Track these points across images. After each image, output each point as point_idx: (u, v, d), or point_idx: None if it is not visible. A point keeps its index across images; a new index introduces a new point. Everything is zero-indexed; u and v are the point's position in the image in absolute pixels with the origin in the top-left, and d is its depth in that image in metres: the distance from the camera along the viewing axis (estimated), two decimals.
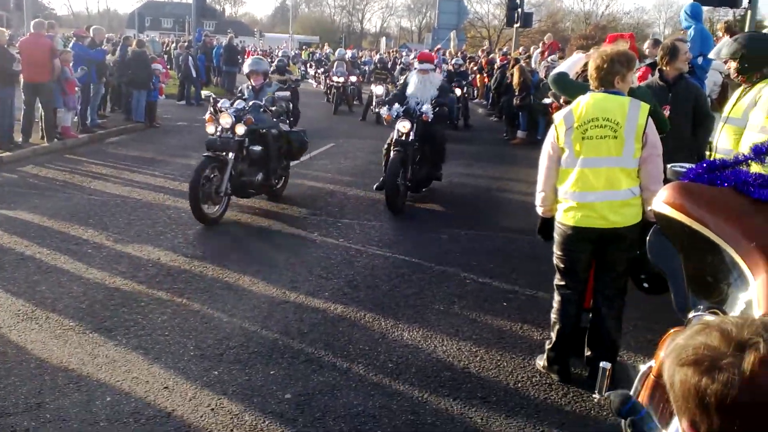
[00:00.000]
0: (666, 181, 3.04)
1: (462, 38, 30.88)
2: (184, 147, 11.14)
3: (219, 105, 7.05)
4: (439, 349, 4.20)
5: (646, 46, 8.38)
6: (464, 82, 15.70)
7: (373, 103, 15.41)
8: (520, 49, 21.04)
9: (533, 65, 15.75)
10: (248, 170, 7.11)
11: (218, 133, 6.82)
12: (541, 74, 13.75)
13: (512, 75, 13.75)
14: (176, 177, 8.77)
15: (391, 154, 7.57)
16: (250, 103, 7.17)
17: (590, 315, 3.90)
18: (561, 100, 10.78)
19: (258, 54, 37.98)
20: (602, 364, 2.19)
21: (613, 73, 3.63)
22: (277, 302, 4.85)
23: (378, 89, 15.53)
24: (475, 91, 21.05)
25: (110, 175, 8.75)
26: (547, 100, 12.98)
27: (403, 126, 7.46)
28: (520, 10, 20.77)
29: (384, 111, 7.75)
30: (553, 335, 3.85)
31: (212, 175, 6.64)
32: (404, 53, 31.26)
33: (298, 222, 7.01)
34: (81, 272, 5.18)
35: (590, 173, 3.56)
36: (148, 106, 13.19)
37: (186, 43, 20.58)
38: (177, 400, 3.47)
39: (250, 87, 7.74)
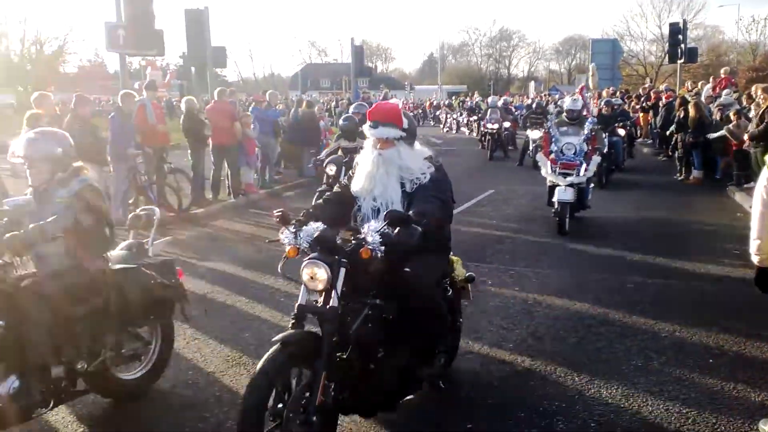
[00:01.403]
0: None
1: (618, 77, 29.81)
2: None
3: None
4: (644, 409, 3.92)
5: None
6: (628, 122, 15.04)
7: (530, 148, 15.38)
8: (687, 84, 19.92)
9: (703, 100, 14.81)
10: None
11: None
12: (714, 111, 12.89)
13: (682, 112, 13.01)
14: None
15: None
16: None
17: None
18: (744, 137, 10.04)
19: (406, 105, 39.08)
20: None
21: None
22: (462, 352, 4.81)
23: (534, 134, 15.24)
24: (639, 131, 20.13)
25: None
26: (712, 135, 12.15)
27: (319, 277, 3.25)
28: (683, 45, 19.78)
29: (286, 239, 3.47)
30: None
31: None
32: (557, 96, 30.69)
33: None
34: (278, 320, 5.50)
35: None
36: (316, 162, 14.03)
37: (346, 101, 21.76)
38: None
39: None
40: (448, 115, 31.44)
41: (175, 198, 9.99)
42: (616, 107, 15.26)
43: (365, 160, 3.73)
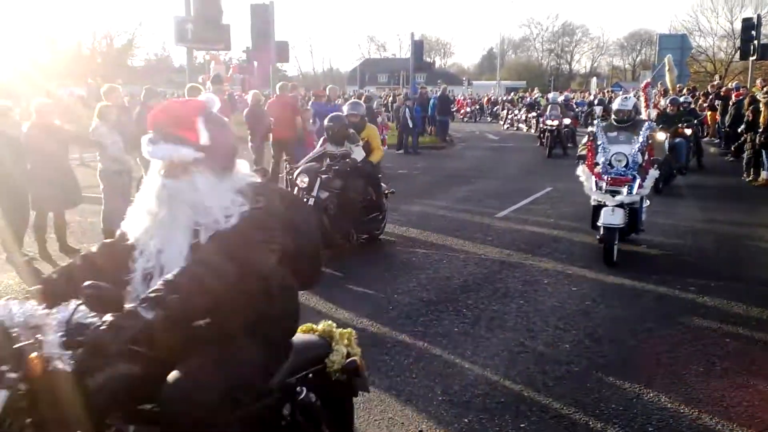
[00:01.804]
0: None
1: (686, 74, 28.85)
2: (407, 194, 11.66)
3: None
4: (705, 416, 3.81)
5: None
6: (695, 121, 14.43)
7: None
8: (758, 81, 19.10)
9: None
10: None
11: None
12: None
13: (754, 111, 12.48)
14: (403, 223, 9.18)
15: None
16: None
17: None
18: None
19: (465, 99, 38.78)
20: None
21: None
22: (517, 351, 4.79)
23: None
24: (706, 130, 19.43)
25: None
26: None
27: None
28: (756, 42, 18.99)
29: None
30: None
31: None
32: (620, 92, 29.89)
33: (524, 268, 6.92)
34: (332, 312, 5.58)
35: None
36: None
37: (403, 96, 21.78)
38: None
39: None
40: (509, 112, 31.06)
41: None
42: (684, 105, 14.38)
43: (147, 193, 2.39)
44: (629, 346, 4.87)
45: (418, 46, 22.86)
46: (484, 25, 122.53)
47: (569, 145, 18.27)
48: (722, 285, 6.22)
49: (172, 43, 33.00)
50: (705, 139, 19.15)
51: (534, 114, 24.82)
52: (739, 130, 13.82)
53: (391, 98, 28.25)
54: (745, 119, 12.95)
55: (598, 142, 7.25)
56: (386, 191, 8.25)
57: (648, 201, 7.84)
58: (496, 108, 36.88)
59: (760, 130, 12.09)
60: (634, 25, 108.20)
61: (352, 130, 7.72)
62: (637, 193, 7.01)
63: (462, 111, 37.87)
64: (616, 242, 6.94)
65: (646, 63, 55.55)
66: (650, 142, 7.33)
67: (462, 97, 41.03)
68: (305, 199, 6.87)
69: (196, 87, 10.01)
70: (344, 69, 76.93)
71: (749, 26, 19.50)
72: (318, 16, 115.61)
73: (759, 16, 20.40)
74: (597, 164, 7.17)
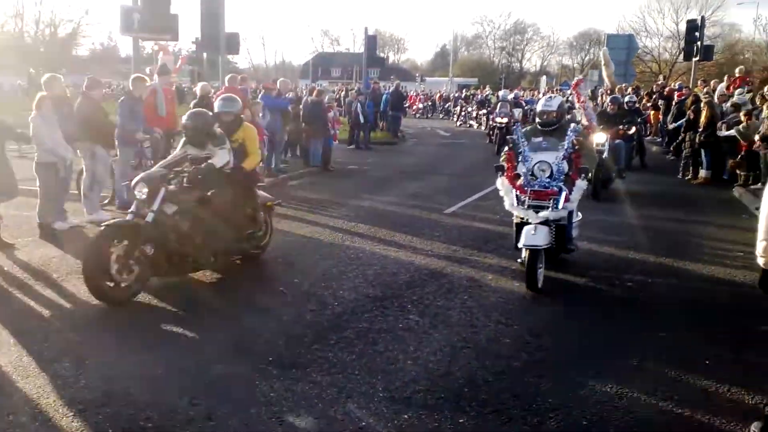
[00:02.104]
0: None
1: (632, 73, 29.59)
2: (357, 189, 11.66)
3: None
4: (636, 408, 3.92)
5: None
6: (639, 119, 14.64)
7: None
8: (699, 82, 19.76)
9: (716, 100, 14.70)
10: None
11: None
12: (730, 108, 12.78)
13: (695, 111, 12.92)
14: (352, 218, 9.16)
15: None
16: None
17: None
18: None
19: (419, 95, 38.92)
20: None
21: None
22: (459, 347, 4.84)
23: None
24: (649, 128, 20.02)
25: (294, 216, 9.35)
26: (724, 132, 12.01)
27: None
28: (699, 43, 19.60)
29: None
30: None
31: None
32: (568, 91, 30.46)
33: (471, 263, 7.00)
34: (277, 309, 5.53)
35: None
36: (324, 152, 14.03)
37: (356, 91, 21.71)
38: None
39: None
40: (462, 108, 31.31)
41: None
42: (629, 105, 13.97)
43: None
44: (568, 341, 4.97)
45: (372, 41, 22.82)
46: (438, 22, 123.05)
47: None
48: (659, 281, 6.43)
49: (118, 33, 31.99)
50: (648, 137, 19.72)
51: (484, 111, 25.09)
52: (671, 126, 14.22)
53: (342, 93, 28.15)
54: (686, 119, 13.38)
55: (519, 150, 6.28)
56: (271, 203, 7.34)
57: (580, 214, 6.95)
58: (448, 105, 37.15)
59: (700, 129, 12.53)
60: (583, 24, 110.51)
61: (218, 130, 6.44)
62: (563, 208, 6.08)
63: (414, 107, 38.04)
64: (541, 265, 6.03)
65: (595, 62, 56.70)
66: (577, 148, 6.27)
67: (414, 93, 41.21)
68: (144, 215, 5.70)
69: (140, 77, 9.74)
70: (297, 62, 76.30)
71: (693, 28, 20.05)
72: (271, 7, 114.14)
73: (703, 18, 21.04)
74: (518, 176, 6.26)
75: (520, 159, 6.27)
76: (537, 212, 6.09)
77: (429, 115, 37.85)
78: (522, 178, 6.21)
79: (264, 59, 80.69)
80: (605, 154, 10.78)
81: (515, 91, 26.51)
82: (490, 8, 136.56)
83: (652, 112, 19.81)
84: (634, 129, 12.77)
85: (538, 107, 6.84)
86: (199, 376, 4.28)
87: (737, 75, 16.70)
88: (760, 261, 3.56)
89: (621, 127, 12.06)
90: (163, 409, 3.82)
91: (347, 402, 3.96)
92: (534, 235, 5.91)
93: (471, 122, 28.63)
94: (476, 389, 4.16)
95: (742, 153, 11.57)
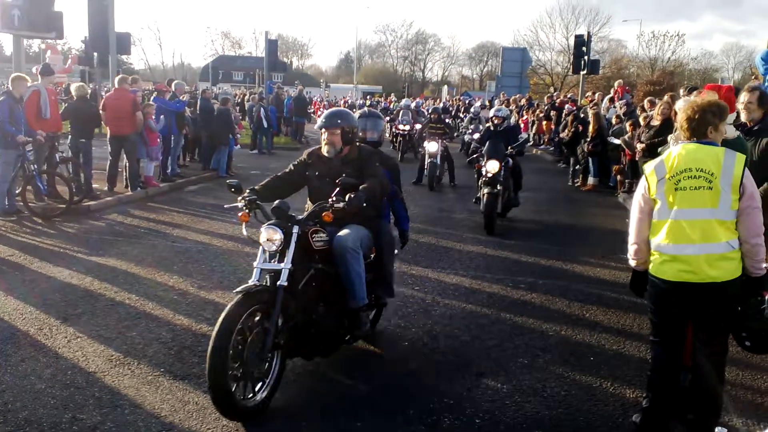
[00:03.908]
0: None
1: (526, 85, 30.93)
2: None
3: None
4: (527, 406, 4.06)
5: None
6: (448, 128, 14.21)
7: (426, 162, 12.98)
8: (588, 94, 20.90)
9: (601, 111, 15.61)
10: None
11: None
12: (613, 120, 13.59)
13: (582, 121, 13.67)
14: (253, 224, 8.96)
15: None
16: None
17: (689, 374, 3.71)
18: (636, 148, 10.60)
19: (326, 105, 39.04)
20: (718, 429, 2.06)
21: (705, 124, 3.54)
22: (360, 352, 4.84)
23: (431, 146, 12.93)
24: (541, 138, 21.00)
25: (191, 223, 9.05)
26: (614, 140, 12.80)
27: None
28: (586, 57, 20.72)
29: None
30: (651, 394, 3.68)
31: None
32: (468, 101, 31.41)
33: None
34: (169, 318, 5.32)
35: (686, 225, 3.43)
36: (226, 156, 13.72)
37: (258, 95, 21.37)
38: None
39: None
40: None
41: (66, 189, 9.45)
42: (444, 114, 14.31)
43: None
44: (463, 342, 5.09)
45: (273, 45, 22.50)
46: (342, 29, 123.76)
47: (420, 149, 18.71)
48: (548, 282, 6.71)
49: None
50: (542, 146, 20.68)
51: (388, 118, 25.39)
52: (561, 136, 14.98)
53: (242, 97, 27.64)
54: (573, 130, 14.11)
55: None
56: None
57: None
58: (354, 111, 37.33)
59: (588, 139, 13.23)
60: (481, 37, 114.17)
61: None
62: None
63: (318, 113, 37.96)
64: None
65: (492, 74, 58.85)
66: None
67: (319, 99, 41.13)
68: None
69: (20, 77, 9.14)
70: (197, 64, 74.29)
71: (581, 42, 21.13)
72: (168, 7, 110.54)
73: (589, 34, 22.22)
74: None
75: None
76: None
77: None
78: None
79: (162, 60, 77.83)
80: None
81: (417, 99, 26.97)
82: (393, 17, 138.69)
83: (545, 122, 20.77)
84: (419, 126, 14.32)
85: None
86: (84, 390, 4.04)
87: (616, 87, 17.75)
88: (632, 263, 3.79)
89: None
90: (44, 426, 3.58)
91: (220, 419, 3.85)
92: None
93: None
94: (373, 393, 4.17)
95: (626, 161, 12.32)
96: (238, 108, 24.27)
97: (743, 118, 5.24)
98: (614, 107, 14.86)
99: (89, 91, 11.03)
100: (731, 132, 4.71)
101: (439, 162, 13.07)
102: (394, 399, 4.09)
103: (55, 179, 9.87)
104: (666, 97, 10.26)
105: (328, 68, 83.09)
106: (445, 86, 56.69)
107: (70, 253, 7.30)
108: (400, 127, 18.46)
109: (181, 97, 12.75)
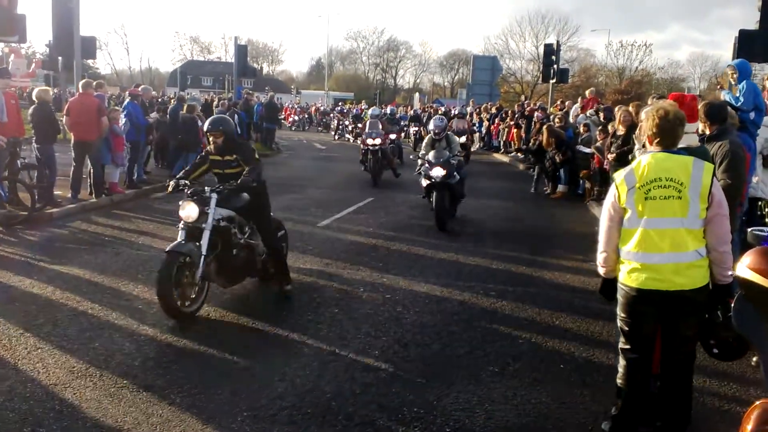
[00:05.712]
0: (746, 244, 2.94)
1: (496, 93, 31.22)
2: None
3: None
4: (497, 414, 4.05)
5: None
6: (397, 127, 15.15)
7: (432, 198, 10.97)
8: (557, 102, 21.16)
9: (570, 119, 15.79)
10: None
11: None
12: (581, 129, 13.75)
13: (541, 136, 13.83)
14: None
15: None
16: None
17: (658, 381, 3.73)
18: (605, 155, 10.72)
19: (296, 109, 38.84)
20: None
21: (675, 134, 3.58)
22: (328, 360, 4.78)
23: (437, 171, 10.54)
24: (513, 145, 21.18)
25: (157, 230, 8.87)
26: (585, 149, 12.96)
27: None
28: (555, 66, 20.98)
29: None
30: (620, 402, 3.69)
31: None
32: (441, 108, 31.58)
33: (342, 277, 6.97)
34: (133, 328, 5.19)
35: (655, 234, 3.46)
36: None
37: (227, 101, 21.16)
38: None
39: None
40: (340, 122, 31.42)
41: (28, 195, 9.21)
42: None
43: None
44: (433, 351, 5.06)
45: (242, 51, 22.36)
46: (313, 35, 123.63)
47: (397, 161, 16.64)
48: (518, 290, 6.72)
49: None
50: (512, 153, 20.84)
51: (360, 125, 25.30)
52: (528, 146, 15.13)
53: (216, 102, 27.32)
54: (536, 144, 14.30)
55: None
56: None
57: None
58: (326, 119, 37.25)
59: (553, 149, 13.36)
60: (452, 44, 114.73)
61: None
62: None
63: (290, 119, 37.78)
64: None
65: (462, 82, 59.31)
66: None
67: (290, 105, 40.96)
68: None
69: None
70: (165, 69, 73.45)
71: (550, 51, 21.40)
72: (136, 11, 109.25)
73: (558, 43, 22.51)
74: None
75: None
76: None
77: (306, 128, 37.70)
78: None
79: (129, 65, 76.76)
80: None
81: (390, 106, 26.93)
82: (364, 24, 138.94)
83: (515, 131, 20.95)
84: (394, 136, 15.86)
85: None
86: (44, 403, 3.90)
87: (588, 96, 18.02)
88: (600, 270, 3.80)
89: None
90: None
91: (208, 423, 3.77)
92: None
93: (348, 136, 28.81)
94: (344, 402, 4.11)
95: (595, 167, 12.46)
96: (204, 115, 24.05)
97: (701, 128, 5.33)
98: (586, 115, 15.03)
99: (52, 95, 10.76)
100: (694, 141, 4.78)
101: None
102: (364, 409, 4.03)
103: (17, 186, 9.61)
104: (631, 107, 10.39)
105: (299, 74, 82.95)
106: (417, 94, 56.88)
107: (32, 261, 7.10)
108: (369, 141, 14.65)
109: (149, 103, 12.53)
